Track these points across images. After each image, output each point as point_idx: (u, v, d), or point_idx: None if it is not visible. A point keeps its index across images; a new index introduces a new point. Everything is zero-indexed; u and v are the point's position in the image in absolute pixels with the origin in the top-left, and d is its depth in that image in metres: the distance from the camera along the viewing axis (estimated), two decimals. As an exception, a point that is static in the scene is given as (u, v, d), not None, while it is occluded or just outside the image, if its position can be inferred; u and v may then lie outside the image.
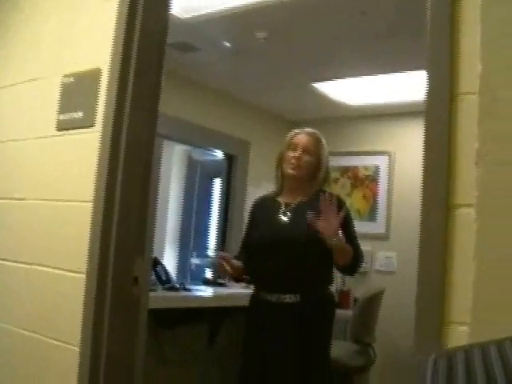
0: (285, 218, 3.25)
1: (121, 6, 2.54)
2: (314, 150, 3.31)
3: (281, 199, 3.35)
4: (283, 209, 3.29)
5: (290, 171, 3.29)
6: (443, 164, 1.59)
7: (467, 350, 1.04)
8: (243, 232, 3.61)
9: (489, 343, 1.03)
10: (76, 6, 2.84)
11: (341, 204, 3.31)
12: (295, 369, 3.08)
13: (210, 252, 3.24)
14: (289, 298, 3.10)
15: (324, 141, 3.38)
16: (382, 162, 6.41)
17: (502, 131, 1.44)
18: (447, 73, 1.63)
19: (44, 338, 2.56)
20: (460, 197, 1.57)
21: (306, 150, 3.29)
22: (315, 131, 3.41)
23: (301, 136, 3.36)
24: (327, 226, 3.00)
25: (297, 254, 3.12)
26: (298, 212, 3.24)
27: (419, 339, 1.63)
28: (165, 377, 4.67)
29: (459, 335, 1.52)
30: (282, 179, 3.40)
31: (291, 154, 3.30)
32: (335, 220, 3.01)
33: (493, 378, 0.95)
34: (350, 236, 3.24)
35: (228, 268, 3.19)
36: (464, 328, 1.50)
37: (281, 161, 3.38)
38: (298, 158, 3.27)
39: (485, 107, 1.46)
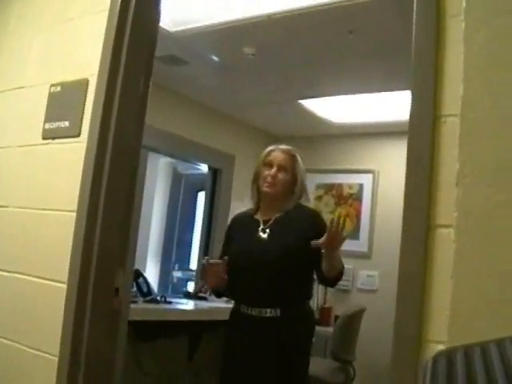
0: (264, 235, 3.25)
1: (110, 18, 2.55)
2: (289, 167, 3.31)
3: (259, 216, 3.36)
4: (262, 226, 3.29)
5: (265, 189, 3.29)
6: (424, 185, 1.61)
7: (467, 349, 1.04)
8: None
9: (489, 342, 1.04)
10: (65, 18, 2.84)
11: (316, 215, 3.39)
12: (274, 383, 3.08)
13: (202, 260, 3.22)
14: (270, 313, 3.09)
15: (299, 157, 3.38)
16: (366, 180, 6.45)
17: (482, 153, 1.46)
18: (431, 94, 1.65)
19: (22, 347, 2.55)
20: (440, 217, 1.59)
21: (281, 168, 3.29)
22: (290, 148, 3.41)
23: (275, 153, 3.35)
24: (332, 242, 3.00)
25: (277, 269, 3.12)
26: (276, 228, 3.25)
27: (397, 357, 1.65)
28: (143, 389, 4.65)
29: (437, 354, 1.54)
30: (258, 196, 3.40)
31: (266, 171, 3.30)
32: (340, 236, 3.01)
33: (493, 377, 0.95)
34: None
35: (220, 273, 3.16)
36: (441, 347, 1.51)
37: (257, 178, 3.38)
38: (273, 176, 3.27)
39: (466, 129, 1.48)
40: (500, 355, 0.99)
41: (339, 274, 3.20)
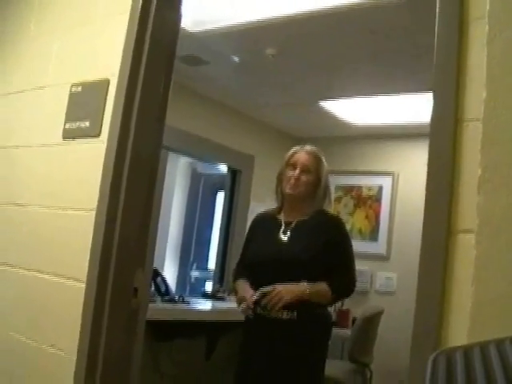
0: (285, 237, 3.25)
1: (132, 19, 2.55)
2: (313, 169, 3.30)
3: (281, 217, 3.35)
4: (283, 227, 3.28)
5: (288, 191, 3.28)
6: (445, 189, 1.60)
7: (467, 349, 1.04)
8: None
9: (488, 343, 1.03)
10: (87, 19, 2.85)
11: (338, 224, 3.37)
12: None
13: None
14: (286, 315, 3.08)
15: (323, 158, 3.37)
16: (385, 182, 6.42)
17: (505, 159, 1.44)
18: (453, 98, 1.64)
19: (40, 345, 2.56)
20: (461, 222, 1.58)
21: (304, 169, 3.28)
22: (314, 149, 3.40)
23: (300, 154, 3.34)
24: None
25: (295, 272, 3.11)
26: (297, 231, 3.24)
27: (416, 361, 1.64)
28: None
29: (455, 359, 1.52)
30: (282, 197, 3.39)
31: (290, 172, 3.29)
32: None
33: (492, 377, 0.95)
34: (342, 259, 3.26)
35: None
36: (460, 353, 1.50)
37: (280, 179, 3.38)
38: (297, 178, 3.26)
39: (488, 134, 1.47)
40: (500, 355, 0.99)
41: (337, 296, 3.33)
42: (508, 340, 1.02)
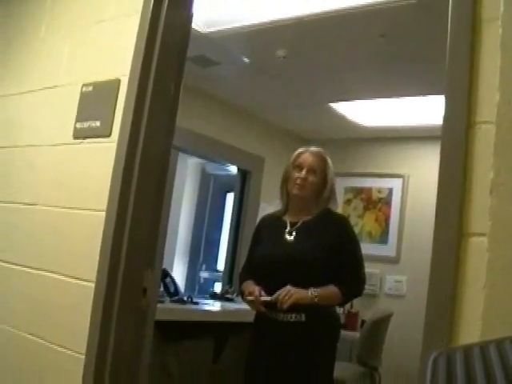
0: (290, 238, 3.24)
1: (143, 19, 2.56)
2: (319, 170, 3.30)
3: (286, 218, 3.35)
4: (289, 228, 3.28)
5: (295, 191, 3.28)
6: (457, 192, 1.59)
7: (467, 350, 1.03)
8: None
9: (489, 343, 1.03)
10: (98, 20, 2.86)
11: (344, 223, 3.37)
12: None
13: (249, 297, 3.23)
14: (294, 317, 3.08)
15: (329, 159, 3.37)
16: (395, 184, 6.40)
17: (518, 162, 1.43)
18: (465, 101, 1.63)
19: (50, 345, 2.57)
20: (473, 225, 1.57)
21: (311, 170, 3.28)
22: (320, 150, 3.40)
23: (306, 155, 3.34)
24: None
25: (302, 273, 3.11)
26: (303, 231, 3.24)
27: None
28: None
29: (466, 364, 1.51)
30: (288, 198, 3.39)
31: (296, 174, 3.29)
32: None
33: (492, 377, 0.94)
34: (349, 258, 3.25)
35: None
36: (471, 358, 1.49)
37: (286, 180, 3.38)
38: (304, 179, 3.26)
39: (501, 137, 1.46)
40: (500, 355, 0.98)
41: (347, 298, 3.32)
42: (508, 340, 1.02)
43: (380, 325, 5.22)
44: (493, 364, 0.96)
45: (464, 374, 0.97)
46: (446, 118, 1.69)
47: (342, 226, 3.33)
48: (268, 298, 3.09)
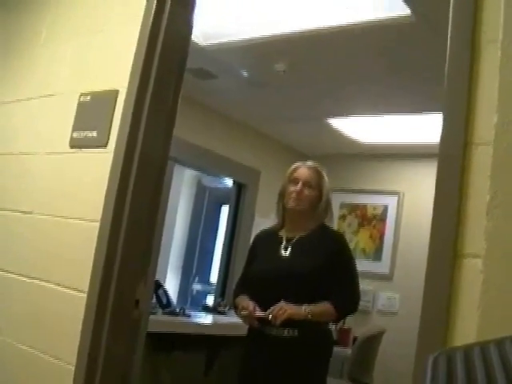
0: (286, 253, 3.24)
1: (143, 30, 2.56)
2: (315, 184, 3.31)
3: (282, 233, 3.35)
4: (284, 243, 3.28)
5: (291, 205, 3.29)
6: (453, 212, 1.59)
7: (467, 350, 1.03)
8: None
9: (489, 343, 1.02)
10: (98, 29, 2.87)
11: (339, 239, 3.37)
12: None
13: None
14: (287, 333, 3.07)
15: (325, 174, 3.38)
16: (390, 201, 6.41)
17: (514, 184, 1.43)
18: (463, 121, 1.63)
19: (41, 354, 2.55)
20: (468, 246, 1.56)
21: (306, 184, 3.29)
22: (316, 164, 3.41)
23: (301, 170, 3.35)
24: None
25: (296, 289, 3.10)
26: (298, 247, 3.24)
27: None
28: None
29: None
30: (284, 213, 3.39)
31: (292, 188, 3.29)
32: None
33: (493, 377, 0.94)
34: (344, 274, 3.24)
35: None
36: (464, 379, 1.48)
37: (282, 195, 3.38)
38: (299, 193, 3.26)
39: (498, 159, 1.46)
40: (500, 355, 0.98)
41: (340, 315, 3.30)
42: (508, 340, 1.01)
43: (372, 341, 5.21)
44: (493, 364, 0.96)
45: (464, 374, 0.97)
46: (444, 138, 1.69)
47: (338, 242, 3.33)
48: (262, 314, 3.08)
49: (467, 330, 1.50)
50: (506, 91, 1.48)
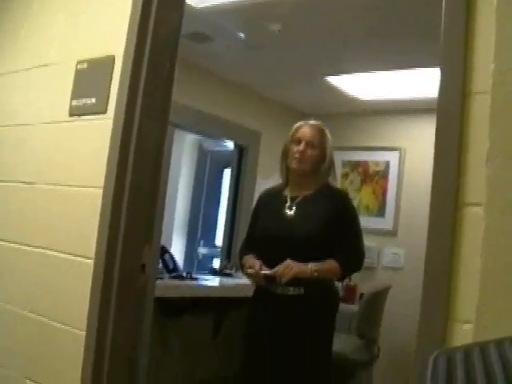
0: (290, 212, 3.25)
1: (137, -6, 2.54)
2: (318, 143, 3.30)
3: (287, 193, 3.35)
4: (289, 203, 3.28)
5: (294, 165, 3.28)
6: (453, 162, 1.59)
7: (467, 350, 1.04)
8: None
9: (488, 343, 1.04)
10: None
11: (344, 198, 3.38)
12: (297, 360, 3.09)
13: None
14: (293, 291, 3.09)
15: (328, 132, 3.37)
16: (392, 157, 6.39)
17: (513, 132, 1.44)
18: (460, 71, 1.63)
19: (50, 322, 2.58)
20: (469, 195, 1.57)
21: (309, 144, 3.28)
22: (319, 123, 3.40)
23: (304, 129, 3.34)
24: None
25: (302, 247, 3.12)
26: (303, 206, 3.24)
27: (423, 336, 1.64)
28: (168, 365, 4.69)
29: (463, 333, 1.53)
30: (287, 172, 3.39)
31: (295, 148, 3.28)
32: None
33: (492, 378, 0.95)
34: (349, 232, 3.26)
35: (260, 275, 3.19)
36: (468, 326, 1.50)
37: (285, 154, 3.37)
38: (302, 153, 3.25)
39: (497, 107, 1.46)
40: (500, 355, 0.99)
41: (346, 272, 3.31)
42: (508, 340, 1.03)
43: (378, 297, 5.24)
44: (493, 364, 0.97)
45: (464, 374, 0.98)
46: (442, 89, 1.69)
47: (342, 201, 3.33)
48: (268, 272, 3.10)
49: (471, 278, 1.51)
50: (503, 39, 1.47)
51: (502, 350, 1.00)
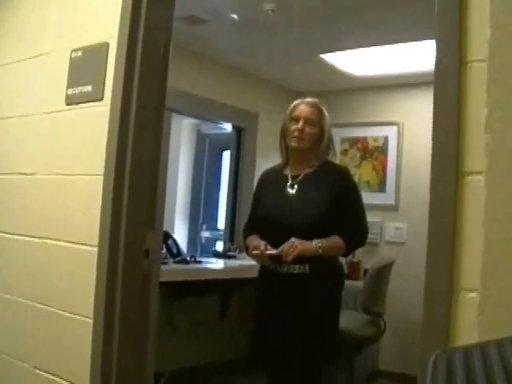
0: (292, 191, 3.25)
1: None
2: (316, 120, 3.29)
3: (287, 172, 3.35)
4: (290, 181, 3.28)
5: (293, 144, 3.27)
6: (453, 132, 1.59)
7: (467, 350, 1.05)
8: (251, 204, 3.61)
9: (489, 343, 1.04)
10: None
11: (345, 174, 3.37)
12: (305, 338, 3.10)
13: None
14: (298, 269, 3.10)
15: (325, 109, 3.35)
16: (390, 132, 6.38)
17: (511, 98, 1.43)
18: (456, 40, 1.62)
19: (57, 311, 2.60)
20: (469, 164, 1.57)
21: (307, 121, 3.27)
22: (316, 100, 3.38)
23: (302, 107, 3.33)
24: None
25: (305, 225, 3.12)
26: (304, 184, 3.24)
27: (428, 306, 1.65)
28: (176, 347, 4.72)
29: (469, 302, 1.54)
30: (287, 151, 3.38)
31: (293, 126, 3.27)
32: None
33: (492, 378, 0.96)
34: (352, 209, 3.27)
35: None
36: (474, 294, 1.51)
37: (284, 133, 3.37)
38: (301, 131, 3.25)
39: (494, 74, 1.45)
40: (500, 355, 1.00)
41: (349, 248, 3.31)
42: (508, 340, 1.03)
43: (382, 272, 5.24)
44: (493, 364, 0.98)
45: (464, 374, 0.99)
46: (438, 59, 1.68)
47: (343, 177, 3.32)
48: (273, 252, 3.10)
49: (474, 246, 1.51)
50: (497, 5, 1.47)
51: (502, 350, 1.01)
